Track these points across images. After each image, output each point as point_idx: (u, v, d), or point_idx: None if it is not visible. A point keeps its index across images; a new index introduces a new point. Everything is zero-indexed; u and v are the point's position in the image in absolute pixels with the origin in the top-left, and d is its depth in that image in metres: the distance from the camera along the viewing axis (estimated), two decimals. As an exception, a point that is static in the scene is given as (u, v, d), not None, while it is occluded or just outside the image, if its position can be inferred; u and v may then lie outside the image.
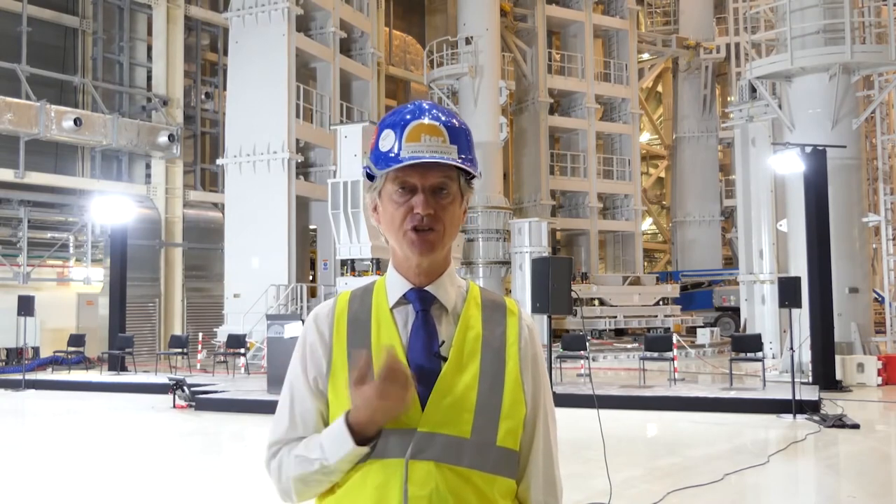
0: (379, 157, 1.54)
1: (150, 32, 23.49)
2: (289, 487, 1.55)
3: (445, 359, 1.52)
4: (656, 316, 26.06)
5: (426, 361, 1.51)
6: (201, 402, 12.83)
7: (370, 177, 1.59)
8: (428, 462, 1.46)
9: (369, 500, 1.48)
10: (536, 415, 1.59)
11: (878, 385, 14.39)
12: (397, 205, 1.53)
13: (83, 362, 18.71)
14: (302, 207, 21.47)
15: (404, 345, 1.53)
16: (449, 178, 1.54)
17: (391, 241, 1.58)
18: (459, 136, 1.55)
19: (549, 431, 1.63)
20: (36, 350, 19.01)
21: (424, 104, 1.59)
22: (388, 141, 1.53)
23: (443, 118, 1.55)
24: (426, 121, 1.53)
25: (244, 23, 20.89)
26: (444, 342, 1.53)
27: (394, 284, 1.59)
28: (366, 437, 1.45)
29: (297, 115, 20.83)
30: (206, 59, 25.66)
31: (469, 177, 1.59)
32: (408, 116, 1.54)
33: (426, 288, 1.57)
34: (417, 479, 1.46)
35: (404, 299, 1.57)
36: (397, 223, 1.53)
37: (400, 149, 1.51)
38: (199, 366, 18.04)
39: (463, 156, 1.54)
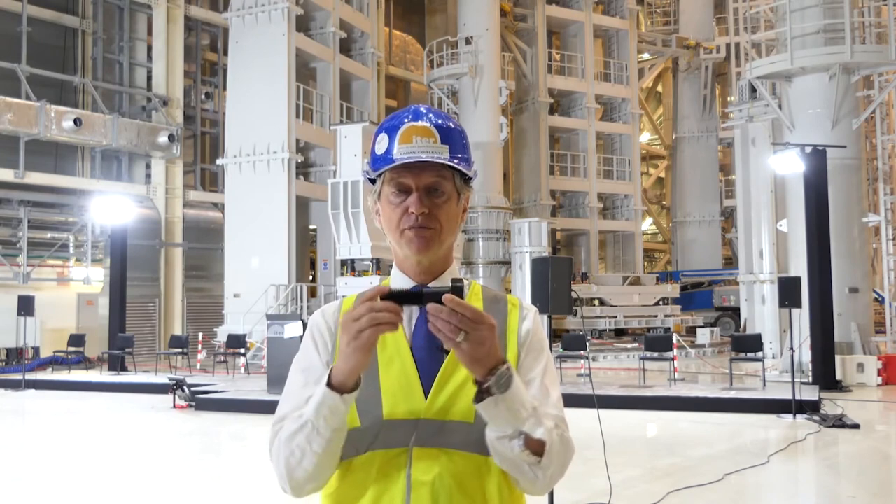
0: (374, 160, 1.60)
1: (150, 32, 23.50)
2: (281, 467, 1.50)
3: (448, 352, 1.54)
4: (656, 316, 26.07)
5: (429, 355, 1.54)
6: (201, 402, 12.83)
7: (372, 181, 1.64)
8: (432, 449, 1.50)
9: (373, 488, 1.51)
10: (533, 367, 1.59)
11: (878, 385, 14.39)
12: (394, 206, 1.58)
13: (83, 362, 18.72)
14: (302, 207, 21.48)
15: (408, 338, 1.58)
16: (443, 177, 1.58)
17: (391, 240, 1.62)
18: (452, 137, 1.59)
19: (548, 378, 1.61)
20: (36, 350, 19.02)
21: (421, 108, 1.63)
22: (382, 144, 1.59)
23: (434, 120, 1.59)
24: (418, 123, 1.58)
25: (244, 23, 20.89)
26: None
27: (397, 283, 1.64)
28: (345, 385, 1.41)
29: (297, 115, 20.83)
30: (206, 59, 25.67)
31: (465, 176, 1.62)
32: (401, 120, 1.59)
33: (430, 284, 1.61)
34: (421, 465, 1.50)
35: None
36: (395, 224, 1.58)
37: (393, 150, 1.56)
38: (199, 366, 18.04)
39: (456, 155, 1.58)
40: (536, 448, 1.45)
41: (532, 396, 1.54)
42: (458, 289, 1.36)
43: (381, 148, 1.58)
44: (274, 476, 1.55)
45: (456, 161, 1.57)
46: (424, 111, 1.61)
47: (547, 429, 1.45)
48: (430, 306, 1.34)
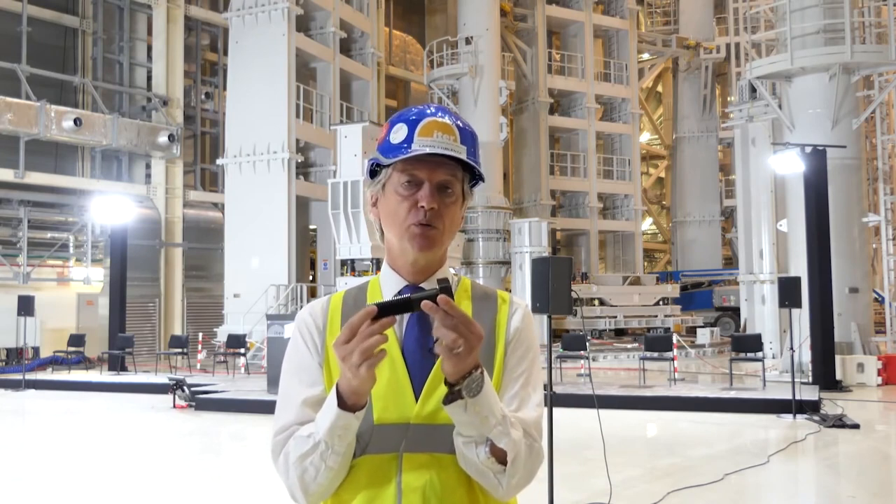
0: (389, 149, 1.55)
1: (150, 32, 23.50)
2: (294, 482, 1.49)
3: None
4: (656, 316, 26.06)
5: (421, 357, 1.52)
6: (201, 402, 12.83)
7: (373, 173, 1.60)
8: (422, 454, 1.49)
9: (364, 494, 1.49)
10: (518, 367, 1.57)
11: (878, 385, 14.39)
12: (402, 198, 1.54)
13: (83, 362, 18.71)
14: (302, 207, 21.48)
15: (399, 341, 1.54)
16: (455, 177, 1.56)
17: (390, 234, 1.58)
18: (468, 139, 1.58)
19: (532, 378, 1.58)
20: (36, 350, 19.01)
21: (432, 107, 1.61)
22: (400, 134, 1.55)
23: (454, 119, 1.58)
24: (439, 119, 1.55)
25: (244, 23, 20.89)
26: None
27: (388, 282, 1.61)
28: (357, 405, 1.40)
29: (297, 115, 20.83)
30: (206, 59, 25.67)
31: (473, 182, 1.61)
32: (422, 114, 1.57)
33: (421, 285, 1.58)
34: (412, 471, 1.48)
35: (399, 296, 1.57)
36: (401, 216, 1.54)
37: (412, 141, 1.53)
38: (199, 366, 18.04)
39: (472, 159, 1.57)
40: (501, 456, 1.44)
41: (510, 397, 1.53)
42: (446, 289, 1.33)
43: (397, 137, 1.54)
44: (284, 489, 1.53)
45: (473, 162, 1.56)
46: (436, 108, 1.59)
47: (513, 439, 1.43)
48: (425, 304, 1.31)
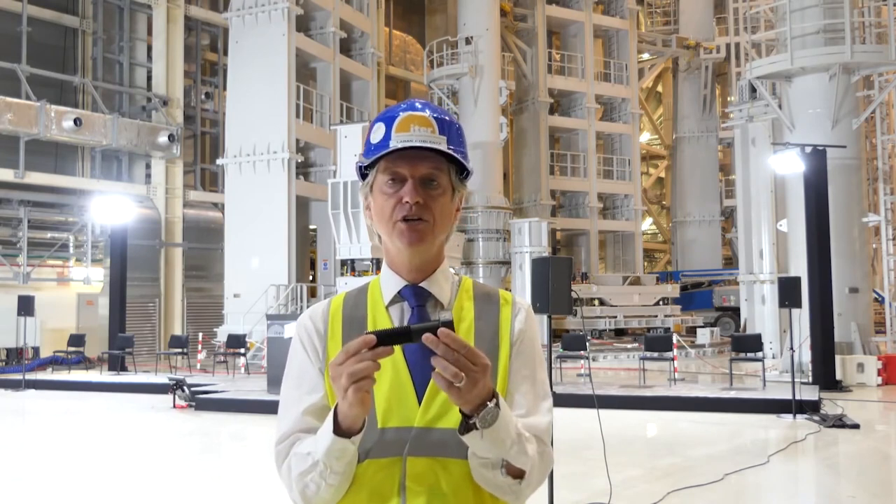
0: (369, 149, 1.56)
1: (150, 32, 23.50)
2: (296, 496, 1.49)
3: None
4: (656, 316, 26.06)
5: (423, 359, 1.47)
6: (201, 402, 12.83)
7: (363, 176, 1.60)
8: (426, 458, 1.47)
9: (368, 499, 1.47)
10: (523, 369, 1.56)
11: (878, 385, 14.39)
12: (387, 196, 1.53)
13: (83, 362, 18.72)
14: (302, 207, 21.48)
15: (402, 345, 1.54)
16: (439, 169, 1.54)
17: (382, 234, 1.58)
18: (449, 129, 1.56)
19: (538, 379, 1.58)
20: (36, 350, 19.01)
21: (416, 102, 1.60)
22: (378, 133, 1.55)
23: (432, 111, 1.56)
24: (416, 113, 1.55)
25: (244, 23, 20.89)
26: None
27: (388, 282, 1.60)
28: (352, 429, 1.38)
29: (297, 115, 20.83)
30: (206, 59, 25.67)
31: (462, 173, 1.59)
32: (399, 111, 1.56)
33: (421, 284, 1.57)
34: (416, 475, 1.46)
35: (399, 296, 1.57)
36: (387, 214, 1.53)
37: (389, 138, 1.52)
38: (199, 366, 18.04)
39: (452, 147, 1.55)
40: (517, 472, 1.44)
41: (518, 400, 1.52)
42: (448, 323, 1.31)
43: (376, 137, 1.55)
44: (284, 489, 1.53)
45: (454, 152, 1.54)
46: (421, 104, 1.58)
47: (530, 456, 1.43)
48: (426, 337, 1.29)
